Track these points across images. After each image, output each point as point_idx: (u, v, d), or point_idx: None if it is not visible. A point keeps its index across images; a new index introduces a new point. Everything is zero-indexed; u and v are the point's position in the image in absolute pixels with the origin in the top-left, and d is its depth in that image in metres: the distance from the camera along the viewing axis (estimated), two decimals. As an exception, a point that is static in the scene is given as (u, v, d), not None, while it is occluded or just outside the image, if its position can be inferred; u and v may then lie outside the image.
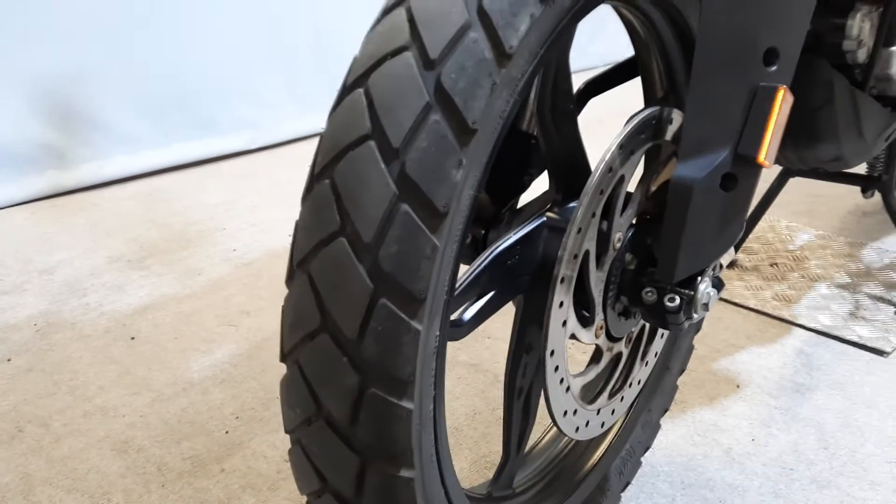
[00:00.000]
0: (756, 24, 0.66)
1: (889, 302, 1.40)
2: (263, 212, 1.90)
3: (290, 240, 1.72)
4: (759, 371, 1.22)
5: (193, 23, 2.16)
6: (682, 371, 1.00)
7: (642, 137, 0.72)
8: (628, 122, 0.73)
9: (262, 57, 2.35)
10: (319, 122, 2.51)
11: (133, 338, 1.34)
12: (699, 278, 0.72)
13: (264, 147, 2.39)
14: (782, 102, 0.67)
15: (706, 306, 0.73)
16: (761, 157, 0.67)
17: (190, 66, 2.19)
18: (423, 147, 0.51)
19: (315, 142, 2.13)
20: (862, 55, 1.03)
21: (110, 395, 1.18)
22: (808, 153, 1.11)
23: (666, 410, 0.99)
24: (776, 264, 1.56)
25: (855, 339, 1.29)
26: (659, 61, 0.86)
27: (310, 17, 2.43)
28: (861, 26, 1.01)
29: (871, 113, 1.08)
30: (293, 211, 1.93)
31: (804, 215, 1.78)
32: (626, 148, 0.70)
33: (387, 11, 0.57)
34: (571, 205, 0.75)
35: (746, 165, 0.68)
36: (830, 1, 1.01)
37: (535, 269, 0.73)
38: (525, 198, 0.84)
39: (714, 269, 0.74)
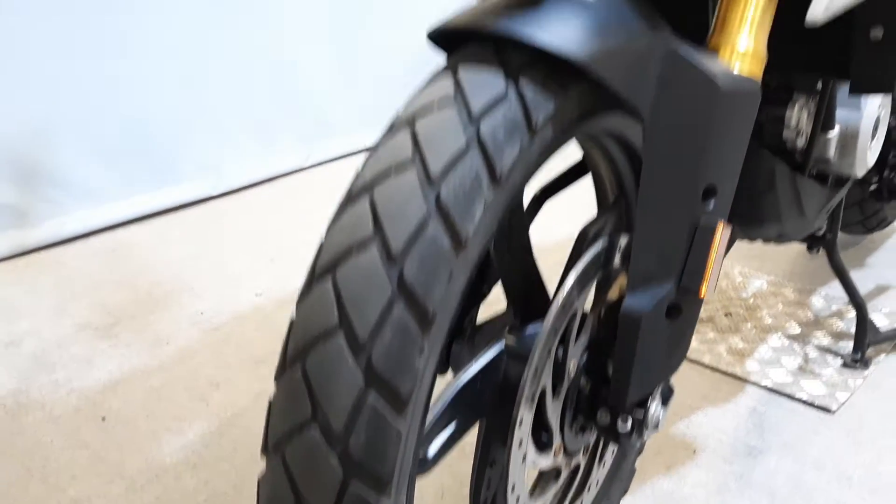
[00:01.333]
0: (695, 163, 0.70)
1: (836, 353, 1.47)
2: (228, 267, 1.91)
3: (256, 299, 1.73)
4: (714, 434, 1.28)
5: (150, 68, 2.16)
6: (639, 453, 1.04)
7: (594, 270, 0.76)
8: (579, 254, 0.77)
9: (223, 101, 2.35)
10: (283, 164, 2.53)
11: (104, 418, 1.36)
12: (650, 399, 0.77)
13: (227, 192, 2.39)
14: (721, 238, 0.72)
15: (657, 426, 0.77)
16: (703, 293, 0.72)
17: (149, 114, 2.19)
18: (387, 340, 0.55)
19: (277, 184, 2.15)
20: (801, 141, 1.09)
21: (83, 484, 1.20)
22: (752, 231, 1.16)
23: (625, 492, 1.04)
24: (730, 314, 1.62)
25: (804, 396, 1.35)
26: (609, 171, 0.91)
27: (269, 57, 2.44)
28: (799, 116, 1.07)
29: (812, 193, 1.14)
30: (256, 264, 1.95)
31: (756, 259, 1.85)
32: (579, 284, 0.74)
33: (351, 198, 0.60)
34: (529, 330, 0.79)
35: (689, 297, 0.73)
36: (770, 93, 1.06)
37: (495, 394, 0.77)
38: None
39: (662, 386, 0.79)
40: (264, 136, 2.47)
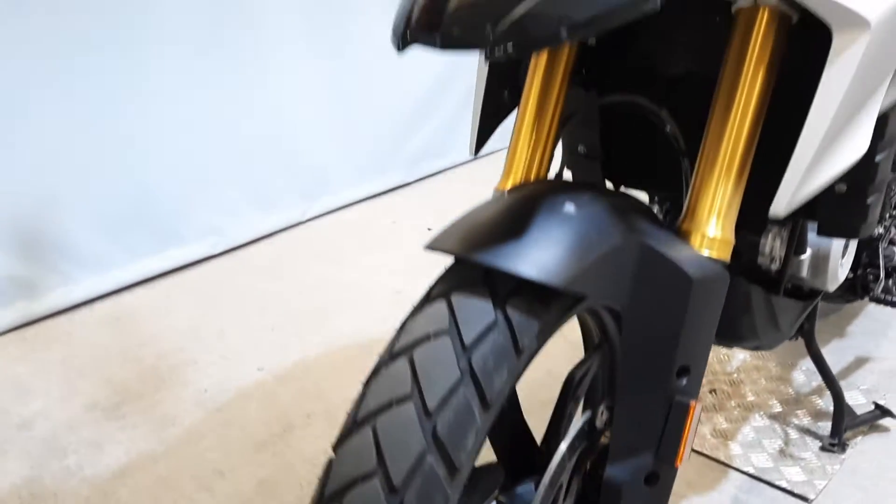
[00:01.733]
0: (670, 347, 0.77)
1: (815, 435, 1.54)
2: (230, 339, 1.97)
3: (258, 374, 1.79)
4: (698, 525, 1.34)
5: (149, 133, 2.22)
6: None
7: (579, 442, 0.83)
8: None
9: (222, 163, 2.41)
10: (281, 220, 2.59)
11: (114, 510, 1.42)
12: None
13: (227, 250, 2.45)
14: (694, 414, 0.79)
15: None
16: (679, 462, 0.79)
17: (150, 180, 2.25)
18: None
19: (276, 240, 2.19)
20: (775, 265, 1.15)
21: (97, 585, 1.26)
22: (730, 344, 1.23)
23: None
24: (714, 391, 1.69)
25: (784, 484, 1.42)
26: (592, 321, 0.97)
27: (267, 119, 2.49)
28: (773, 244, 1.13)
29: (787, 309, 1.20)
30: (257, 333, 2.00)
31: (741, 328, 1.91)
32: (566, 459, 0.81)
33: (356, 425, 0.66)
34: (520, 490, 0.85)
35: (666, 466, 0.79)
36: (746, 224, 1.13)
37: None
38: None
39: None
40: (263, 194, 2.53)
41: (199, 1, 2.22)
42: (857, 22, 0.75)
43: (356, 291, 2.21)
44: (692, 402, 0.78)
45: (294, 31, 2.48)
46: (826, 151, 0.80)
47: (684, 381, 0.79)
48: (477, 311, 0.68)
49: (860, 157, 0.83)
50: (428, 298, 0.72)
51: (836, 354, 1.80)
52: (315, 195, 2.69)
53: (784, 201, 0.81)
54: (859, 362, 1.78)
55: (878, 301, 1.37)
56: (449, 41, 0.67)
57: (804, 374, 1.73)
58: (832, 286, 1.22)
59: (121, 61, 2.10)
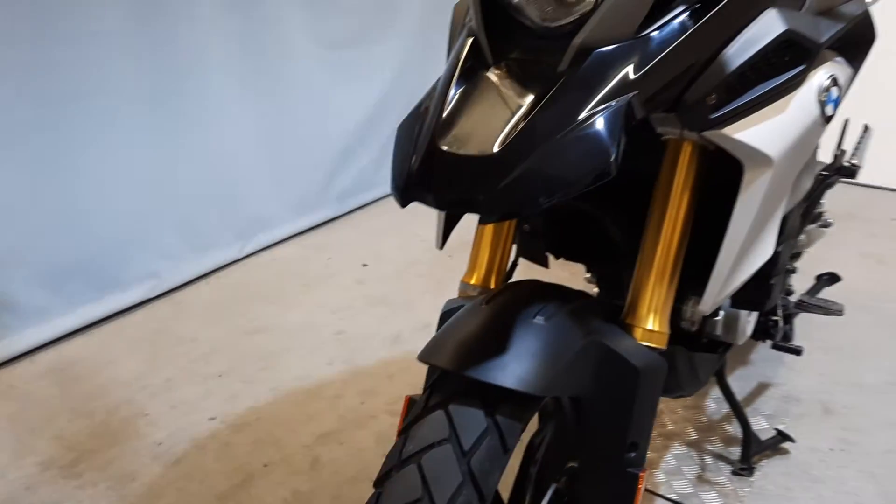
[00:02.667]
0: (622, 428, 0.92)
1: (727, 460, 1.74)
2: (179, 388, 2.02)
3: (212, 424, 1.85)
4: (631, 552, 1.51)
5: (85, 182, 2.23)
6: None
7: None
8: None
9: (157, 206, 2.44)
10: (218, 258, 2.64)
11: (85, 572, 1.46)
12: None
13: (166, 292, 2.49)
14: (643, 483, 0.94)
15: None
16: None
17: (86, 227, 2.26)
18: None
19: (214, 279, 2.27)
20: (694, 327, 1.33)
21: None
22: None
23: None
24: (639, 422, 1.86)
25: (702, 509, 1.61)
26: (551, 400, 1.11)
27: (198, 159, 2.53)
28: (692, 310, 1.30)
29: (704, 362, 1.38)
30: (206, 381, 2.06)
31: (658, 359, 2.11)
32: None
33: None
34: None
35: None
36: None
37: None
38: None
39: None
40: (199, 235, 2.57)
41: (132, 49, 2.24)
42: (763, 160, 0.92)
43: (299, 333, 2.29)
44: (641, 473, 0.92)
45: (226, 76, 2.53)
46: (742, 259, 0.97)
47: (634, 455, 0.93)
48: (472, 421, 0.80)
49: (769, 257, 1.00)
50: (427, 408, 0.84)
51: (740, 381, 2.01)
52: (250, 234, 2.75)
53: (710, 301, 0.97)
54: (761, 388, 2.00)
55: (778, 348, 1.57)
56: (445, 204, 0.80)
57: (715, 403, 1.93)
58: (741, 340, 1.41)
59: (56, 111, 2.11)
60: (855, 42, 1.11)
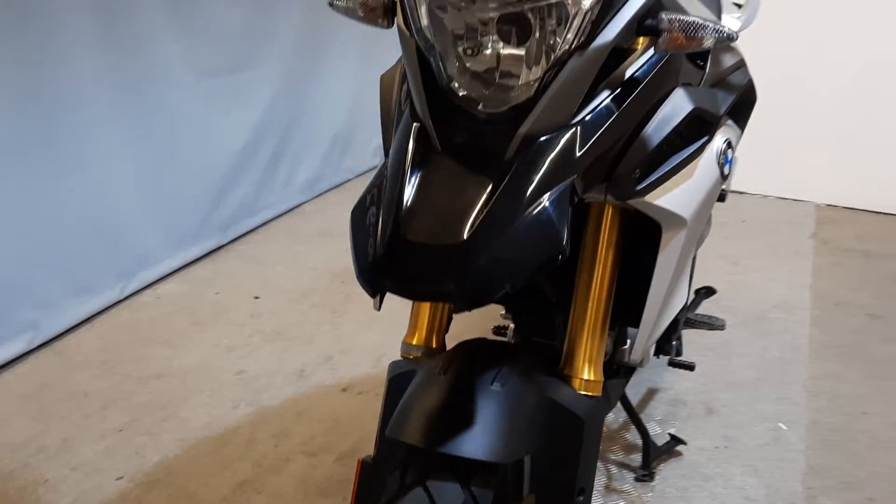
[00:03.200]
0: (570, 475, 1.00)
1: (629, 467, 1.87)
2: (78, 448, 1.93)
3: (119, 485, 1.79)
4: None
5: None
6: None
7: None
8: None
9: (30, 252, 2.30)
10: (97, 302, 2.52)
11: None
12: None
13: (47, 342, 2.35)
14: None
15: None
16: None
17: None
18: None
19: (97, 324, 2.21)
20: (606, 357, 1.44)
21: None
22: None
23: None
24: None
25: (613, 518, 1.73)
26: None
27: (76, 202, 2.41)
28: (623, 360, 1.41)
29: (615, 387, 1.49)
30: (105, 438, 1.99)
31: (556, 373, 2.23)
32: None
33: None
34: None
35: None
36: None
37: None
38: None
39: None
40: (77, 278, 2.45)
41: (3, 89, 2.11)
42: (679, 221, 1.02)
43: (198, 376, 2.23)
44: None
45: (101, 112, 2.42)
46: (664, 309, 1.07)
47: (582, 498, 1.01)
48: (450, 495, 0.85)
49: (684, 305, 1.11)
50: (404, 486, 0.88)
51: (631, 389, 2.17)
52: (131, 272, 2.64)
53: (640, 351, 1.07)
54: (650, 394, 2.17)
55: (674, 364, 1.71)
56: (416, 295, 0.84)
57: (613, 412, 2.07)
58: (646, 363, 1.54)
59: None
60: (742, 106, 1.25)
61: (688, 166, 1.02)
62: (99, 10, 2.35)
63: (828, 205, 3.56)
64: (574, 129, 0.89)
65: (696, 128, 1.01)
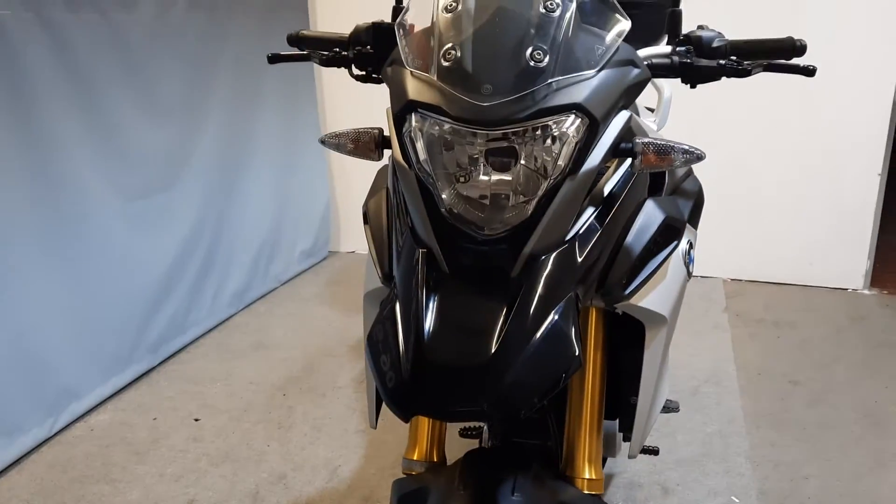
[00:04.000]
0: None
1: None
2: None
3: None
4: None
5: None
6: None
7: None
8: None
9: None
10: (26, 442, 2.37)
11: None
12: None
13: (-27, 491, 2.19)
14: None
15: None
16: None
17: None
18: None
19: (25, 469, 2.11)
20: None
21: None
22: None
23: None
24: None
25: None
26: None
27: (6, 335, 2.30)
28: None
29: None
30: None
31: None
32: None
33: None
34: None
35: None
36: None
37: None
38: None
39: None
40: (2, 419, 2.30)
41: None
42: (660, 319, 1.11)
43: (147, 510, 2.13)
44: None
45: (21, 243, 2.35)
46: (654, 401, 1.14)
47: None
48: None
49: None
50: None
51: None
52: (61, 405, 2.51)
53: (637, 446, 1.13)
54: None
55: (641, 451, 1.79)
56: (449, 416, 0.87)
57: (575, 503, 2.11)
58: (616, 453, 1.59)
59: None
60: (696, 209, 1.38)
61: (661, 268, 1.11)
62: (21, 139, 2.32)
63: (733, 279, 3.81)
64: (570, 245, 0.97)
65: (668, 234, 1.11)
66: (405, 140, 1.00)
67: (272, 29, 3.54)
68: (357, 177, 4.18)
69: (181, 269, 3.07)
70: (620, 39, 1.01)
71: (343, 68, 1.35)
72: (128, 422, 2.60)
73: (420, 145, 0.98)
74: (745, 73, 1.16)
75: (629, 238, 1.05)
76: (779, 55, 1.15)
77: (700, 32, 1.19)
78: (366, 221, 1.23)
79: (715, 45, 1.17)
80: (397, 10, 1.33)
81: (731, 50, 1.17)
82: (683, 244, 1.21)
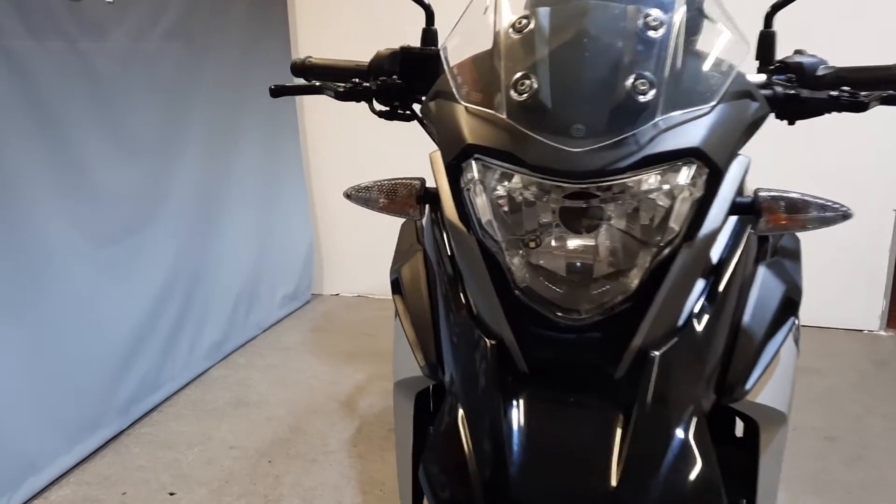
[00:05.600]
0: None
1: None
2: None
3: None
4: None
5: None
6: None
7: None
8: None
9: None
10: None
11: None
12: None
13: None
14: None
15: None
16: None
17: None
18: None
19: None
20: None
21: None
22: None
23: None
24: None
25: None
26: None
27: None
28: None
29: None
30: None
31: None
32: None
33: None
34: None
35: None
36: None
37: None
38: None
39: None
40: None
41: None
42: (778, 416, 0.88)
43: None
44: None
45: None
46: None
47: None
48: None
49: None
50: None
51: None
52: (17, 480, 2.21)
53: None
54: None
55: None
56: None
57: None
58: None
59: None
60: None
61: (776, 354, 0.89)
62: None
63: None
64: (687, 335, 0.74)
65: (785, 310, 0.89)
66: (464, 196, 0.77)
67: (252, 60, 3.32)
68: (341, 215, 3.94)
69: (155, 319, 2.79)
70: (738, 66, 0.79)
71: (362, 102, 1.12)
72: (93, 497, 2.30)
73: (483, 202, 0.75)
74: (861, 107, 0.94)
75: (746, 318, 0.83)
76: (891, 85, 0.94)
77: (800, 58, 0.98)
78: (395, 291, 0.99)
79: (820, 72, 0.96)
80: (428, 32, 1.10)
81: (839, 79, 0.96)
82: (791, 318, 0.99)
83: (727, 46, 0.80)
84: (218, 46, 3.09)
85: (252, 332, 3.44)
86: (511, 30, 0.79)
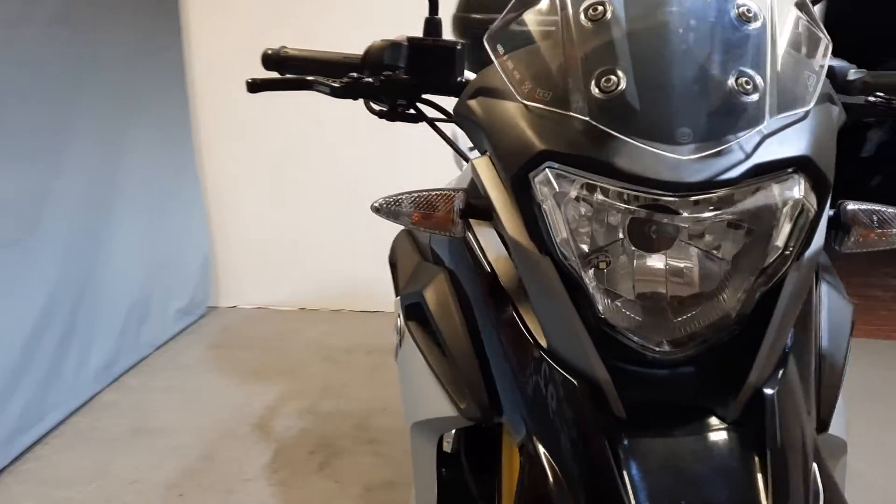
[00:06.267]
0: None
1: None
2: None
3: None
4: None
5: None
6: None
7: None
8: None
9: None
10: None
11: None
12: None
13: None
14: None
15: None
16: None
17: None
18: None
19: None
20: None
21: None
22: None
23: None
24: None
25: None
26: None
27: None
28: None
29: None
30: None
31: None
32: None
33: None
34: None
35: None
36: None
37: None
38: None
39: None
40: None
41: None
42: (840, 446, 0.83)
43: None
44: None
45: None
46: None
47: None
48: None
49: None
50: None
51: None
52: None
53: None
54: None
55: None
56: None
57: None
58: None
59: None
60: None
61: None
62: None
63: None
64: (790, 368, 0.67)
65: (851, 332, 0.84)
66: (536, 211, 0.67)
67: (144, 55, 3.05)
68: (238, 223, 3.69)
69: (36, 339, 2.47)
70: (827, 63, 0.73)
71: (358, 99, 0.98)
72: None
73: (560, 218, 0.65)
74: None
75: (823, 342, 0.77)
76: None
77: (829, 62, 0.94)
78: (411, 318, 0.87)
79: (850, 77, 0.92)
80: (432, 22, 0.97)
81: (869, 84, 0.92)
82: None
83: (810, 39, 0.74)
84: (104, 39, 2.81)
85: (144, 351, 3.14)
86: (584, 16, 0.69)
